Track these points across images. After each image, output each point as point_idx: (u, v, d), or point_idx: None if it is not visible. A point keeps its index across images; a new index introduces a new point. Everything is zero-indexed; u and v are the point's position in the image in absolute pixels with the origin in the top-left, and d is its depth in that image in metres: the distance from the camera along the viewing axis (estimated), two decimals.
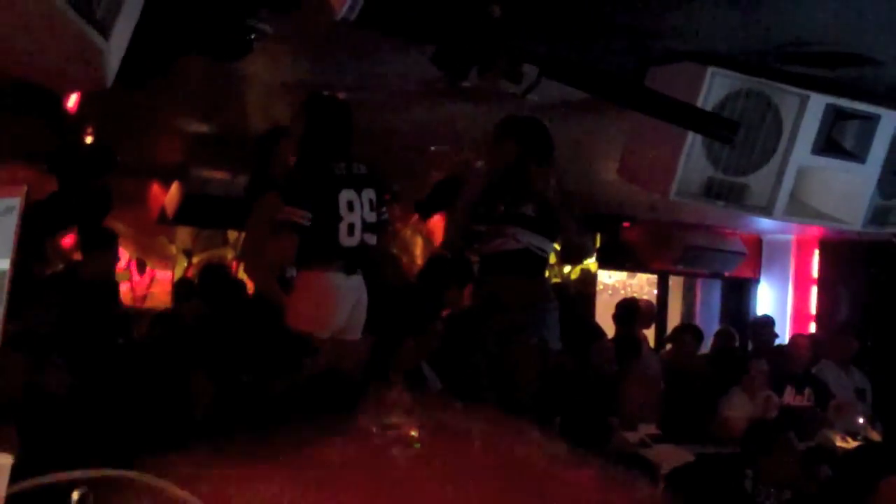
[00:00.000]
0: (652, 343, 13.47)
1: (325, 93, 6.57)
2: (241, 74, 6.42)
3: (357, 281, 6.35)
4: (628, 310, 10.81)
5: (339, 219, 6.15)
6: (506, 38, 4.58)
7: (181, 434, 5.09)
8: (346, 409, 4.78)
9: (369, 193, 6.30)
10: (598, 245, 13.94)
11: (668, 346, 11.55)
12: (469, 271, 7.79)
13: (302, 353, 6.12)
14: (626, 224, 13.58)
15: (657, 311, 14.52)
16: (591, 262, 14.15)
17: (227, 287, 9.14)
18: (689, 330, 11.18)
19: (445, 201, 7.85)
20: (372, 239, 6.32)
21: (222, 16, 4.44)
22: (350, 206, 6.18)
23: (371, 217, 6.29)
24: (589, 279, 14.42)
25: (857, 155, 5.86)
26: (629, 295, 15.26)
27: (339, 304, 6.26)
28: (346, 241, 6.18)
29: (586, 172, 8.97)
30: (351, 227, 6.18)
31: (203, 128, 8.82)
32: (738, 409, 8.54)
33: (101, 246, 8.64)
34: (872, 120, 5.81)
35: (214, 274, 9.75)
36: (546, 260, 6.67)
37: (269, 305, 6.56)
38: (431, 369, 8.40)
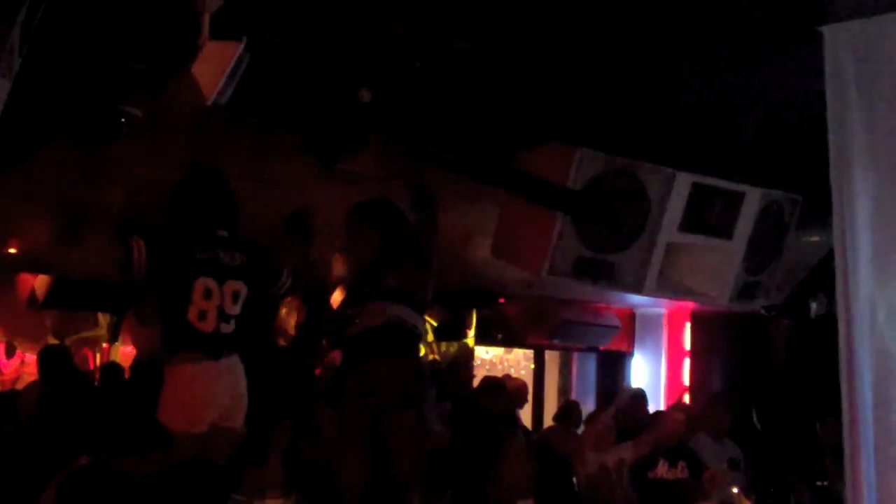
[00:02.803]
0: (530, 418, 13.59)
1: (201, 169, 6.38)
2: (111, 156, 6.29)
3: (230, 364, 5.94)
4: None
5: (190, 302, 5.79)
6: (375, 121, 4.60)
7: None
8: (215, 497, 4.67)
9: (235, 285, 5.92)
10: (474, 321, 14.02)
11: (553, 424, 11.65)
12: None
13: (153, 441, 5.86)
14: (501, 300, 13.67)
15: (535, 386, 14.63)
16: (468, 338, 14.19)
17: (67, 370, 9.10)
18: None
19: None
20: (229, 328, 5.91)
21: (90, 101, 4.38)
22: (207, 294, 5.84)
23: (234, 310, 5.91)
24: (466, 354, 14.43)
25: (723, 232, 5.97)
26: (506, 370, 15.34)
27: (210, 396, 5.85)
28: (199, 324, 5.81)
29: (461, 249, 9.00)
30: (202, 313, 5.81)
31: (72, 210, 8.67)
32: (591, 465, 8.51)
33: None
34: (737, 197, 5.94)
35: (54, 357, 9.53)
36: (418, 337, 6.33)
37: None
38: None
